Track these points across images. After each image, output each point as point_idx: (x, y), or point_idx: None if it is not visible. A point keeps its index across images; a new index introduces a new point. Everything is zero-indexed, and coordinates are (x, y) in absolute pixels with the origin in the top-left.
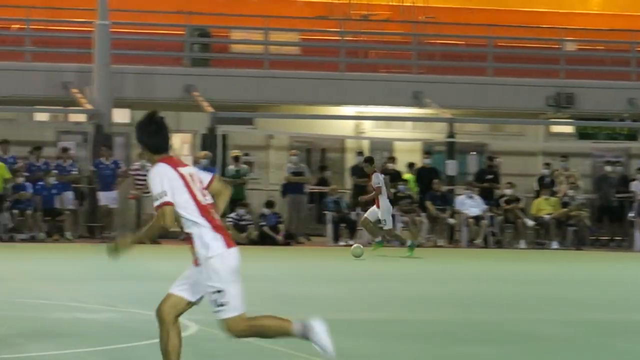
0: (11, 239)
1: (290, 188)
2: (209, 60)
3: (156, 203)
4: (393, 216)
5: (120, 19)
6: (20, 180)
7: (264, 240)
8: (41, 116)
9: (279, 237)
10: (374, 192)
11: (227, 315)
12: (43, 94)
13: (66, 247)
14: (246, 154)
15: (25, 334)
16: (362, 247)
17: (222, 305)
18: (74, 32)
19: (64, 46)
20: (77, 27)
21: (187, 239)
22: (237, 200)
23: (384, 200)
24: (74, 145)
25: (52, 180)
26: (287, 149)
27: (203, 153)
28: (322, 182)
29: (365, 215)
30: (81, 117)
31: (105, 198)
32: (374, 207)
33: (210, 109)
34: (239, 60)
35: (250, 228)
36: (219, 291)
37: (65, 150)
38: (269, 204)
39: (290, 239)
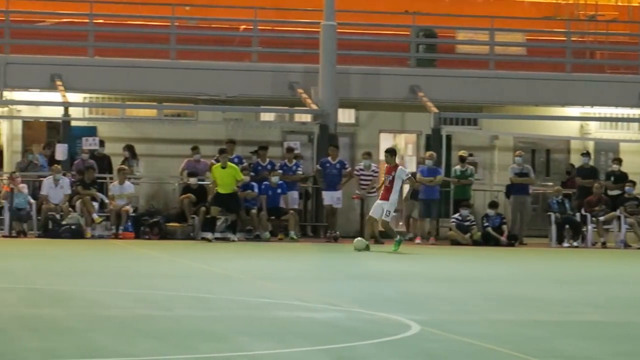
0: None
1: (515, 189)
2: (434, 61)
3: None
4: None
5: (346, 20)
6: (246, 179)
7: (487, 241)
8: (267, 116)
9: (503, 238)
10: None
11: None
12: (269, 94)
13: (290, 246)
14: (470, 155)
15: (248, 332)
16: (364, 240)
17: None
18: (300, 33)
19: (290, 47)
20: (303, 27)
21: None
22: (461, 201)
23: (395, 195)
24: (299, 145)
25: (276, 179)
26: (512, 149)
27: (428, 153)
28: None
29: (370, 214)
30: (307, 117)
31: (330, 198)
32: (382, 200)
33: (434, 110)
34: (463, 60)
35: (474, 229)
36: None
37: (290, 150)
38: (493, 205)
39: (513, 240)
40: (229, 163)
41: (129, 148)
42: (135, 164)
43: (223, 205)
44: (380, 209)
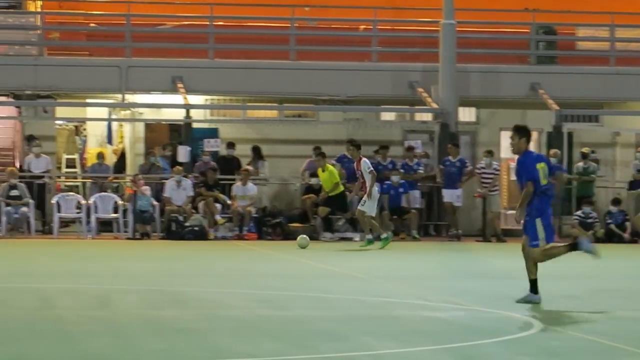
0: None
1: (637, 185)
2: (554, 58)
3: None
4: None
5: (465, 18)
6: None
7: (610, 238)
8: (388, 116)
9: (626, 235)
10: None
11: None
12: (389, 93)
13: (412, 245)
14: (592, 152)
15: (370, 332)
16: (307, 238)
17: None
18: (419, 32)
19: (409, 46)
20: (422, 26)
21: None
22: (583, 198)
23: (370, 188)
24: (419, 144)
25: (398, 179)
26: (634, 146)
27: (553, 151)
28: None
29: (362, 209)
30: (427, 116)
31: (450, 196)
32: (365, 197)
33: (555, 107)
34: (584, 57)
35: (597, 226)
36: None
37: (411, 149)
38: (616, 202)
39: (637, 237)
40: (327, 165)
41: (255, 149)
42: (261, 165)
43: (331, 206)
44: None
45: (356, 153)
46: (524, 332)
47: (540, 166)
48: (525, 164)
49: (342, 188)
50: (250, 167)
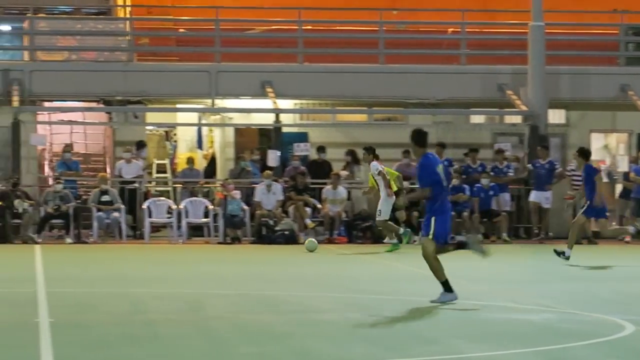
0: (451, 239)
1: None
2: None
3: None
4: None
5: (554, 20)
6: (457, 182)
7: None
8: (477, 118)
9: None
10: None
11: None
12: (479, 96)
13: (502, 248)
14: None
15: (461, 335)
16: (315, 241)
17: None
18: (508, 34)
19: (498, 48)
20: (511, 29)
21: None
22: None
23: (383, 191)
24: (509, 146)
25: (487, 181)
26: None
27: None
28: None
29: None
30: (517, 119)
31: (537, 197)
32: (380, 205)
33: None
34: None
35: None
36: None
37: (500, 151)
38: None
39: None
40: (386, 167)
41: (351, 153)
42: (357, 170)
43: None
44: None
45: (367, 157)
46: (616, 334)
47: (440, 169)
48: (426, 166)
49: (394, 188)
50: (345, 172)
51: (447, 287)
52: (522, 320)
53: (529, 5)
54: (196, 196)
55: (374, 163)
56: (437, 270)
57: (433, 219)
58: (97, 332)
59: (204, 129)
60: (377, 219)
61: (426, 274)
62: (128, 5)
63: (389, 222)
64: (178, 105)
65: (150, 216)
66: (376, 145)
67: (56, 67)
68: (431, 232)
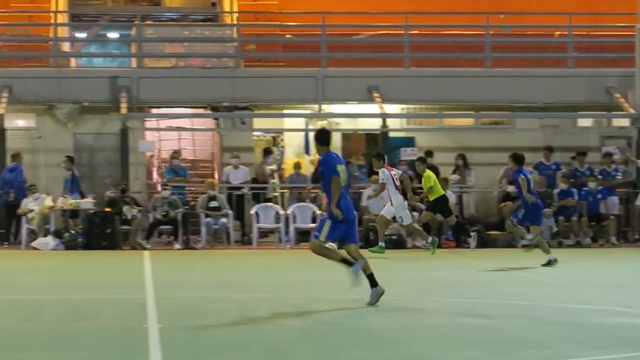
0: (559, 244)
1: None
2: None
3: None
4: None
5: None
6: (565, 186)
7: None
8: (584, 122)
9: None
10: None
11: None
12: (586, 99)
13: (611, 252)
14: None
15: (570, 339)
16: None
17: None
18: (615, 37)
19: (605, 51)
20: (618, 31)
21: None
22: None
23: (395, 197)
24: (617, 150)
25: (595, 185)
26: None
27: None
28: None
29: (382, 212)
30: (624, 122)
31: None
32: (389, 204)
33: None
34: None
35: None
36: None
37: (608, 155)
38: None
39: None
40: (425, 170)
41: (462, 157)
42: (468, 174)
43: (436, 211)
44: (390, 212)
45: (378, 163)
46: None
47: (341, 168)
48: (328, 162)
49: (441, 192)
50: (455, 176)
51: (347, 262)
52: (632, 324)
53: (637, 8)
54: (303, 201)
55: (384, 170)
56: (329, 256)
57: (328, 222)
58: (205, 337)
59: (311, 134)
60: (403, 225)
61: (535, 278)
62: (235, 12)
63: (416, 226)
64: (285, 111)
65: (258, 222)
66: (483, 149)
67: (164, 73)
68: (323, 233)
